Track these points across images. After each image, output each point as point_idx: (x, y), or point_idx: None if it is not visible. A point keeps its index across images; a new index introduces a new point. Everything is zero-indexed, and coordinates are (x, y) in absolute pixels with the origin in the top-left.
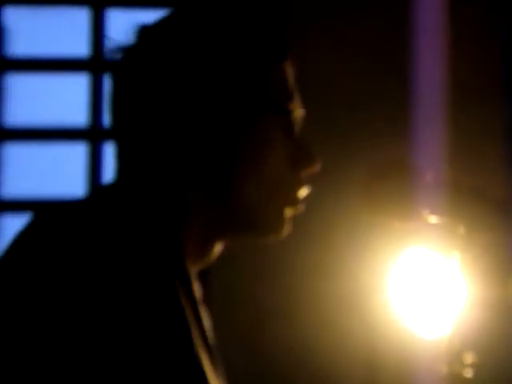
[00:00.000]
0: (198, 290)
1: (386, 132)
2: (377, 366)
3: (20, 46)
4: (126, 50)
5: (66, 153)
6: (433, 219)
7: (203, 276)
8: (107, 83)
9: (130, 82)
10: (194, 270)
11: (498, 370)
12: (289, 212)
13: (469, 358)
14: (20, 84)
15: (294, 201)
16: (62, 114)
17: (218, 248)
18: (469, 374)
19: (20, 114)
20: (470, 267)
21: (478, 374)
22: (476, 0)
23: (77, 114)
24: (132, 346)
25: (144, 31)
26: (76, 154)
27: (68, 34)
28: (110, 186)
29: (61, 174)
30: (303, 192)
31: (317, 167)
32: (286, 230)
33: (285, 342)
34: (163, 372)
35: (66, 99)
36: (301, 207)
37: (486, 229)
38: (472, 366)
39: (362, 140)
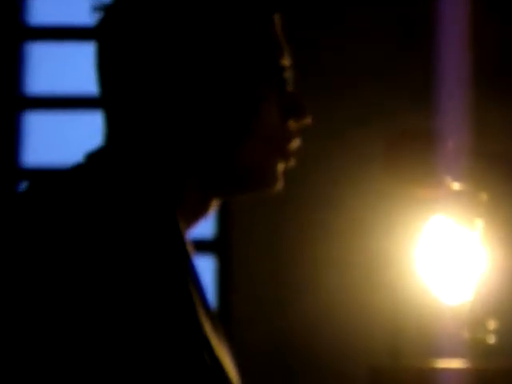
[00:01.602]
0: (191, 248)
1: (410, 100)
2: (400, 331)
3: (42, 14)
4: (112, 12)
5: (87, 121)
6: (456, 186)
7: (227, 243)
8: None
9: (119, 47)
10: (189, 227)
11: None
12: (281, 166)
13: (491, 324)
14: (42, 52)
15: (286, 154)
16: (84, 83)
17: (214, 205)
18: (491, 339)
19: (42, 83)
20: (493, 234)
21: (500, 339)
22: None
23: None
24: (136, 325)
25: None
26: (97, 122)
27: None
28: (103, 152)
29: (82, 142)
30: (295, 144)
31: (308, 119)
32: (280, 184)
33: (311, 305)
34: (168, 351)
35: (87, 68)
36: (292, 161)
37: (509, 195)
38: (494, 331)
39: (386, 109)
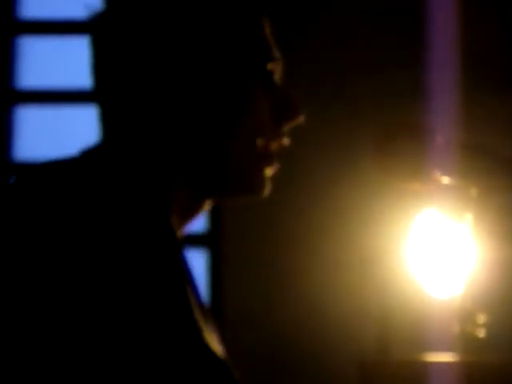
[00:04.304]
0: (182, 244)
1: (399, 94)
2: (390, 325)
3: (32, 8)
4: (109, 9)
5: (78, 115)
6: (445, 180)
7: (219, 237)
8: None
9: (112, 46)
10: (181, 226)
11: (510, 330)
12: (269, 171)
13: (481, 317)
14: (32, 47)
15: (272, 158)
16: (74, 77)
17: (206, 206)
18: (481, 333)
19: (32, 77)
20: (483, 228)
21: (489, 333)
22: None
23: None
24: (133, 318)
25: None
26: (88, 116)
27: None
28: (96, 150)
29: (73, 136)
30: (285, 143)
31: (300, 118)
32: (268, 188)
33: (298, 302)
34: (163, 345)
35: (78, 62)
36: (277, 165)
37: (499, 190)
38: (484, 325)
39: (375, 102)
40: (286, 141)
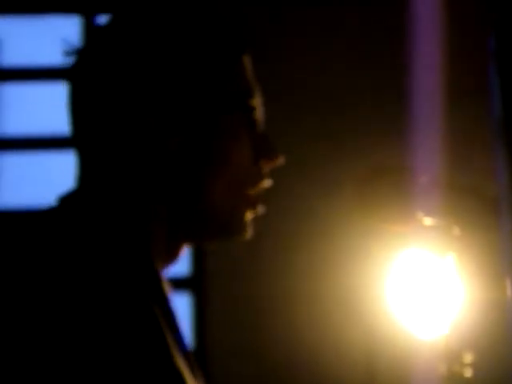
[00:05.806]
0: (168, 287)
1: (380, 134)
2: (375, 367)
3: (12, 55)
4: (82, 53)
5: (59, 161)
6: (428, 221)
7: (203, 280)
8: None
9: (88, 87)
10: (161, 269)
11: (497, 369)
12: (250, 213)
13: (467, 357)
14: (12, 93)
15: (255, 201)
16: (54, 123)
17: (183, 249)
18: (468, 373)
19: (13, 124)
20: (466, 268)
21: (476, 373)
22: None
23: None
24: (107, 359)
25: (98, 32)
26: (68, 162)
27: (59, 42)
28: (74, 195)
29: (55, 183)
30: (266, 184)
31: (280, 159)
32: (249, 232)
33: (283, 344)
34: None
35: (58, 108)
36: (261, 208)
37: (481, 229)
38: (471, 365)
39: (356, 142)
40: (267, 182)
